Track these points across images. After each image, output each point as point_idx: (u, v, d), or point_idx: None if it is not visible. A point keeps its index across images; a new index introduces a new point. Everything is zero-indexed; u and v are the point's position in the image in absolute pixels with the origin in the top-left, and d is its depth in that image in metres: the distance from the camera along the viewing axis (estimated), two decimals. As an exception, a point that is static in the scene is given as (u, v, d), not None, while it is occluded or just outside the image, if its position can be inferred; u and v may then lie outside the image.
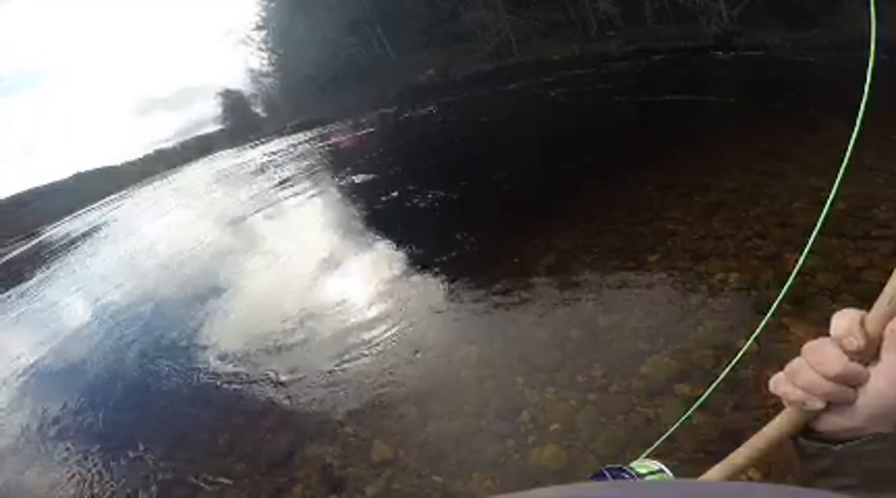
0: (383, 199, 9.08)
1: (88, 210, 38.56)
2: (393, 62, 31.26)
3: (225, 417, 4.08)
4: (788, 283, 0.76)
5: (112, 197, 41.88)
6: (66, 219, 37.38)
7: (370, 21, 31.61)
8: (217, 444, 3.76)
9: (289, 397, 3.99)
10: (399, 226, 7.07)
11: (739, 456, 0.52)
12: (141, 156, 67.27)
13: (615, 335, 3.35)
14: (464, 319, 4.19)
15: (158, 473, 3.66)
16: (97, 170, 64.30)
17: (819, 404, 0.45)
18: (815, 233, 0.70)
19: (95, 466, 4.01)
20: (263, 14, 43.21)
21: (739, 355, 0.83)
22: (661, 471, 0.67)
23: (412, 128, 16.92)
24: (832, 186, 0.63)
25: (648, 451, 0.92)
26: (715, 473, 0.54)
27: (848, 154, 0.65)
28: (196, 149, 56.79)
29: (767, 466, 1.95)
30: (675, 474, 0.64)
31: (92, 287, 10.80)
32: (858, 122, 0.65)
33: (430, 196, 8.20)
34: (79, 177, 62.47)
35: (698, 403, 1.03)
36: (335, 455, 3.22)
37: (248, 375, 4.54)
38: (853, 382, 0.44)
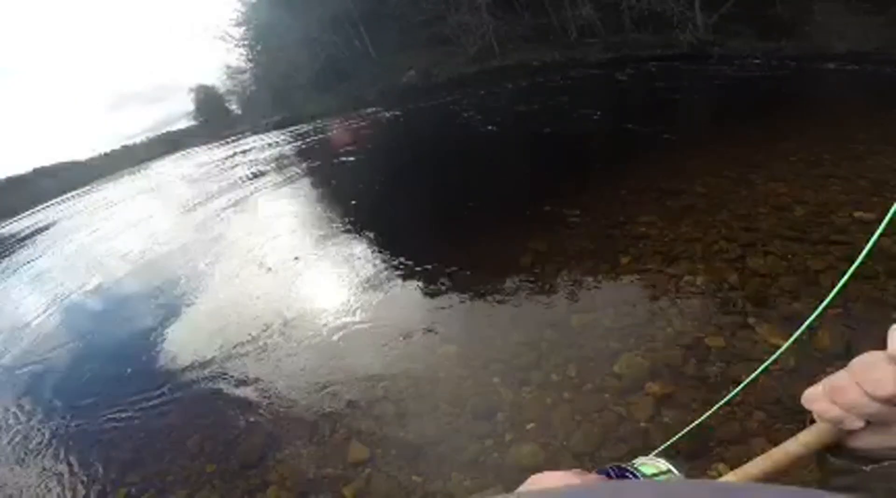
0: (358, 200, 9.04)
1: (48, 205, 37.10)
2: (374, 62, 31.12)
3: (195, 417, 3.97)
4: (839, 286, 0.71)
5: (75, 192, 40.38)
6: (24, 214, 35.85)
7: (352, 20, 31.38)
8: (186, 445, 3.67)
9: (262, 397, 3.91)
10: (375, 227, 7.05)
11: (755, 466, 0.50)
12: (108, 151, 65.21)
13: (588, 335, 3.44)
14: (441, 320, 4.21)
15: (125, 474, 3.55)
16: (60, 164, 61.95)
17: (859, 424, 0.42)
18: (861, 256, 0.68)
19: (56, 468, 3.86)
20: (243, 10, 42.43)
21: (762, 368, 0.80)
22: (668, 471, 0.63)
23: (391, 128, 16.89)
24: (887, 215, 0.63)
25: (660, 448, 0.89)
26: (734, 475, 0.52)
27: None
28: (166, 144, 55.39)
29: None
30: (684, 475, 0.62)
31: (50, 285, 10.33)
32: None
33: (406, 198, 8.22)
34: (39, 171, 60.03)
35: (723, 402, 0.99)
36: (311, 456, 3.19)
37: (219, 374, 4.43)
38: None
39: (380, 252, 6.02)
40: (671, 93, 10.99)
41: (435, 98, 18.67)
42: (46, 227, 22.00)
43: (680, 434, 0.99)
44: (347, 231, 7.29)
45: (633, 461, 0.65)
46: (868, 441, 0.43)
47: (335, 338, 4.36)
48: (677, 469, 0.63)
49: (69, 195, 39.72)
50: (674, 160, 6.37)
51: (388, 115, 19.21)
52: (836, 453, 0.46)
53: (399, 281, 5.12)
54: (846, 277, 0.68)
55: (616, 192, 5.70)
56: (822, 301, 0.70)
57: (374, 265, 5.64)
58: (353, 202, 9.00)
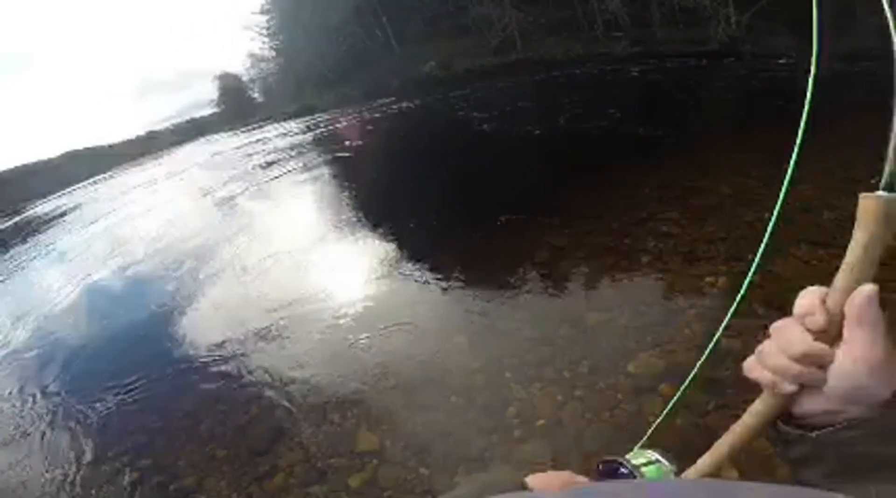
0: (377, 189, 9.05)
1: (76, 188, 38.02)
2: (395, 53, 31.07)
3: (207, 403, 4.01)
4: (745, 284, 0.75)
5: (101, 176, 41.30)
6: (53, 196, 36.81)
7: (375, 10, 31.33)
8: (198, 429, 3.70)
9: (274, 384, 3.94)
10: (392, 216, 7.03)
11: (724, 445, 0.52)
12: (133, 137, 66.57)
13: (604, 333, 3.37)
14: (455, 311, 4.18)
15: (137, 458, 3.60)
16: (87, 149, 63.44)
17: (790, 387, 0.44)
18: (766, 238, 0.70)
19: (71, 449, 3.94)
20: (267, -2, 42.74)
21: (709, 350, 0.83)
22: (657, 461, 0.67)
23: (411, 119, 16.85)
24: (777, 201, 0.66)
25: (641, 442, 0.91)
26: (703, 462, 0.54)
27: (792, 163, 0.66)
28: (190, 131, 56.23)
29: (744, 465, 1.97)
30: (671, 462, 0.64)
31: (73, 264, 10.59)
32: (801, 132, 0.66)
33: (424, 189, 8.19)
34: (68, 156, 61.61)
35: (678, 395, 1.04)
36: (319, 444, 3.20)
37: (232, 360, 4.47)
38: (820, 363, 0.43)
39: (396, 243, 6.00)
40: (699, 90, 10.72)
41: (455, 90, 18.53)
42: (73, 209, 22.58)
43: (652, 427, 1.01)
44: (363, 221, 7.30)
45: (627, 455, 0.67)
46: (809, 406, 0.45)
47: (348, 326, 4.37)
48: (666, 459, 0.66)
49: (96, 179, 40.66)
50: (700, 159, 6.20)
51: (407, 106, 19.16)
52: (786, 421, 0.47)
53: (414, 271, 5.10)
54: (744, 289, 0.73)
55: (639, 189, 5.57)
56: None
57: (390, 256, 5.63)
58: (370, 193, 9.01)
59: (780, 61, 11.29)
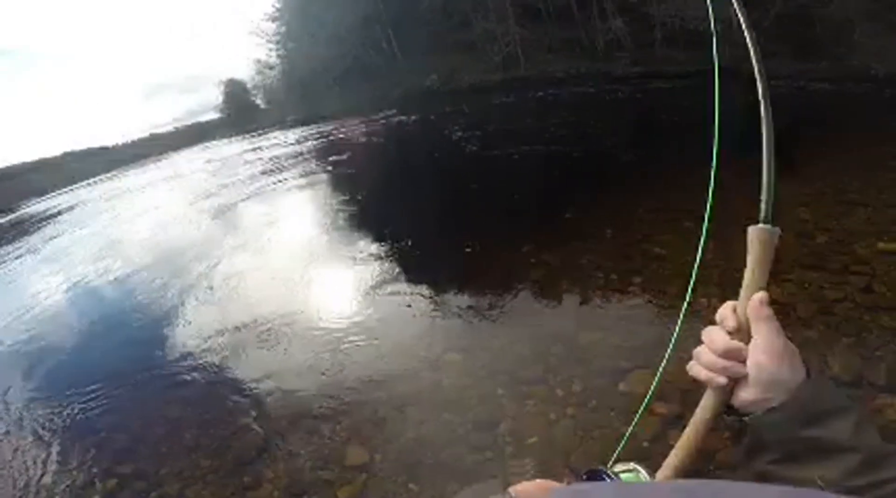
0: (373, 202, 9.08)
1: (73, 188, 37.97)
2: (399, 64, 31.36)
3: (193, 411, 3.95)
4: (685, 303, 0.85)
5: (100, 177, 41.31)
6: (50, 195, 36.73)
7: (382, 22, 31.70)
8: (183, 438, 3.64)
9: (263, 395, 3.89)
10: (386, 231, 7.05)
11: (683, 439, 0.59)
12: (135, 138, 66.73)
13: (597, 352, 3.38)
14: (448, 327, 4.18)
15: (119, 464, 3.53)
16: (88, 150, 63.61)
17: (721, 379, 0.54)
18: (698, 258, 0.81)
19: (53, 452, 3.86)
20: (277, 6, 43.20)
21: (668, 353, 0.88)
22: (635, 469, 0.70)
23: (409, 133, 16.97)
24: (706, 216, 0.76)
25: (614, 456, 0.93)
26: (672, 457, 0.59)
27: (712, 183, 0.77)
28: (192, 135, 56.43)
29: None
30: (648, 473, 0.69)
31: (62, 264, 10.56)
32: (715, 151, 0.77)
33: (420, 205, 8.22)
34: (69, 155, 61.73)
35: (646, 403, 1.07)
36: (307, 456, 3.16)
37: (220, 369, 4.42)
38: (739, 358, 0.53)
39: (389, 257, 6.00)
40: (696, 112, 10.83)
41: (456, 104, 18.69)
42: (69, 209, 22.53)
43: (624, 440, 1.05)
44: (357, 235, 7.31)
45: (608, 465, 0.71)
46: (742, 397, 0.54)
47: (339, 339, 4.35)
48: (643, 467, 0.69)
49: (94, 179, 40.64)
50: (694, 180, 6.24)
51: (408, 118, 19.31)
52: (729, 413, 0.56)
53: (407, 286, 5.10)
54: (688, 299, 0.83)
55: (634, 210, 5.62)
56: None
57: (382, 270, 5.63)
58: (366, 206, 9.03)
59: (781, 81, 11.43)
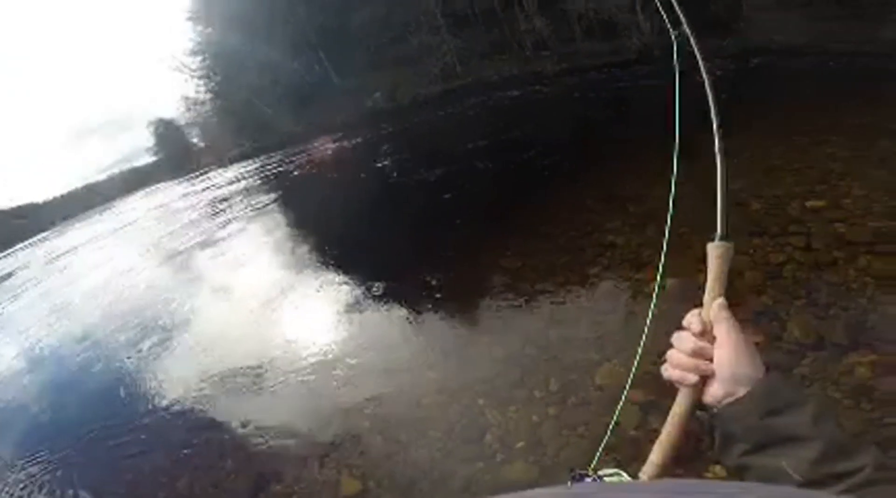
0: (329, 231, 9.00)
1: (11, 252, 35.60)
2: (337, 87, 31.11)
3: (183, 458, 3.88)
4: (657, 283, 1.02)
5: (38, 236, 38.90)
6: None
7: (312, 45, 31.36)
8: (176, 487, 3.57)
9: (249, 436, 3.85)
10: (347, 255, 7.03)
11: (663, 436, 0.64)
12: (66, 192, 63.17)
13: (567, 348, 3.49)
14: (421, 345, 4.22)
15: None
16: (19, 208, 59.59)
17: (692, 378, 0.60)
18: (666, 238, 0.93)
19: None
20: (199, 39, 41.85)
21: (639, 356, 0.97)
22: (617, 474, 0.77)
23: (356, 156, 16.91)
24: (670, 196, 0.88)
25: (594, 462, 1.00)
26: (654, 455, 0.64)
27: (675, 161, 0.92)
28: (130, 182, 54.00)
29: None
30: (630, 475, 0.73)
31: (18, 332, 9.95)
32: (677, 131, 0.88)
33: (377, 224, 8.22)
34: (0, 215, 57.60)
35: (621, 403, 1.15)
36: (302, 492, 3.14)
37: (202, 414, 4.36)
38: (706, 356, 0.60)
39: (354, 283, 5.98)
40: (623, 99, 11.34)
41: (401, 121, 18.76)
42: (10, 275, 21.12)
43: (601, 445, 1.13)
44: (319, 263, 7.25)
45: (591, 468, 0.80)
46: (712, 394, 0.59)
47: (317, 372, 4.31)
48: (624, 470, 0.79)
49: (33, 239, 38.26)
50: (632, 165, 6.54)
51: (354, 141, 19.22)
52: (702, 409, 0.61)
53: (376, 310, 5.11)
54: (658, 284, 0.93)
55: (581, 202, 5.83)
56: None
57: (350, 297, 5.61)
58: (322, 233, 8.96)
59: (691, 61, 12.12)
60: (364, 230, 8.15)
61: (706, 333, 0.61)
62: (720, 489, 0.30)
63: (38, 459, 4.59)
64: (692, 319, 0.63)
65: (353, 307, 5.30)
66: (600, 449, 1.05)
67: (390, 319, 4.83)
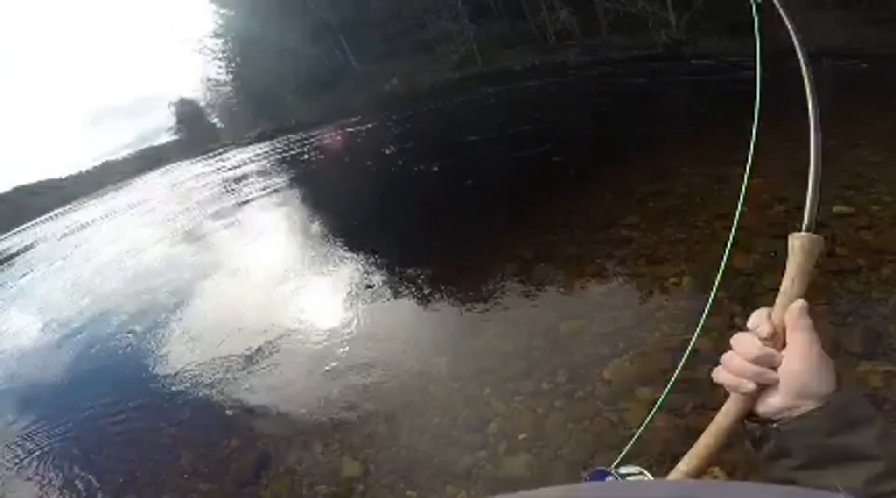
0: (344, 212, 9.01)
1: (31, 225, 36.38)
2: (356, 72, 31.08)
3: (186, 436, 3.92)
4: (716, 283, 0.88)
5: (58, 211, 39.68)
6: (5, 235, 35.07)
7: (333, 30, 31.32)
8: (179, 464, 3.61)
9: (253, 415, 3.87)
10: (361, 238, 7.01)
11: (700, 446, 0.59)
12: (89, 168, 64.25)
13: (577, 342, 3.44)
14: (429, 331, 4.20)
15: (123, 495, 3.49)
16: (39, 183, 60.80)
17: (749, 386, 0.54)
18: (732, 233, 0.83)
19: (49, 489, 3.77)
20: (221, 22, 42.05)
21: (686, 355, 0.91)
22: (640, 473, 0.72)
23: (373, 139, 16.87)
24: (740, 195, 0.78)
25: (620, 457, 0.96)
26: (685, 463, 0.59)
27: (751, 157, 0.79)
28: (148, 160, 54.69)
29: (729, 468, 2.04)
30: (654, 475, 0.69)
31: (35, 304, 10.19)
32: (755, 127, 0.79)
33: (390, 210, 8.20)
34: (19, 190, 58.85)
35: (658, 404, 1.10)
36: (304, 472, 3.15)
37: (208, 391, 4.38)
38: (771, 364, 0.53)
39: (365, 266, 5.98)
40: (647, 94, 11.13)
41: (418, 107, 18.67)
42: (27, 249, 21.57)
43: (631, 441, 1.07)
44: (332, 245, 7.25)
45: (612, 466, 0.74)
46: (769, 404, 0.54)
47: (324, 354, 4.32)
48: (648, 471, 0.73)
49: (52, 214, 39.02)
50: (654, 161, 6.43)
51: (370, 126, 19.17)
52: (753, 419, 0.56)
53: (386, 295, 5.09)
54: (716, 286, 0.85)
55: (600, 196, 5.74)
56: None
57: (361, 280, 5.60)
58: (337, 216, 8.96)
59: (717, 62, 11.85)
60: (375, 215, 8.14)
61: (775, 338, 0.54)
62: (724, 490, 0.30)
63: (39, 434, 4.66)
64: (760, 320, 0.55)
65: (362, 290, 5.30)
66: (628, 446, 1.00)
67: (399, 304, 4.81)
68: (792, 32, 0.70)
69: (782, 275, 0.57)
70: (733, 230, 0.81)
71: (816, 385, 0.51)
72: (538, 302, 4.10)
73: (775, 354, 0.53)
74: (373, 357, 4.04)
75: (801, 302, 0.54)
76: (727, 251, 0.83)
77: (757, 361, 0.53)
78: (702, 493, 0.37)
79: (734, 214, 0.70)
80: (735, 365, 0.55)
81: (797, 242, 0.57)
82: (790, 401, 0.52)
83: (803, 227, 0.59)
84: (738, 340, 0.56)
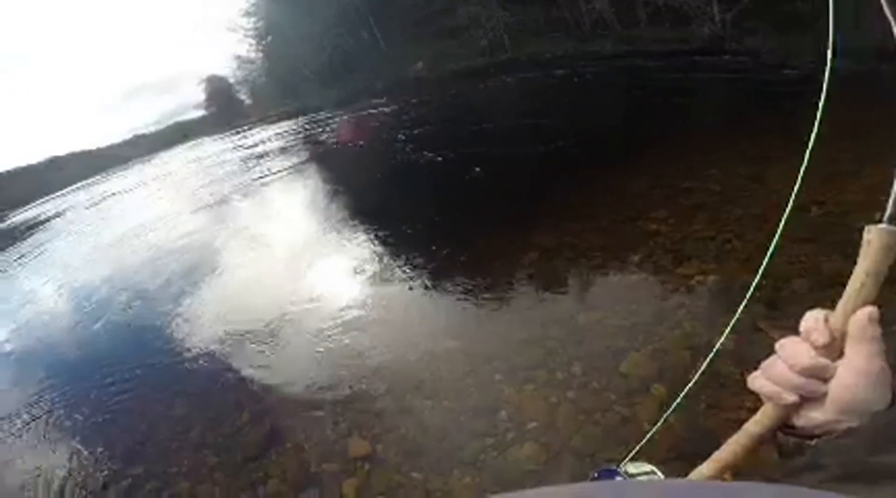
0: (366, 192, 9.01)
1: (61, 194, 37.47)
2: (383, 54, 30.95)
3: (198, 409, 3.98)
4: (755, 283, 0.85)
5: (85, 182, 40.77)
6: (35, 203, 36.22)
7: (362, 11, 31.21)
8: (190, 436, 3.67)
9: (264, 390, 3.92)
10: (381, 220, 6.99)
11: (725, 452, 0.54)
12: (118, 141, 65.70)
13: (595, 333, 3.37)
14: (445, 315, 4.17)
15: (131, 466, 3.56)
16: (71, 154, 62.50)
17: (791, 397, 0.48)
18: (777, 235, 0.76)
19: (61, 456, 3.87)
20: (253, 0, 42.36)
21: (711, 356, 0.85)
22: (651, 472, 0.69)
23: (396, 121, 16.79)
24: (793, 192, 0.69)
25: (632, 454, 0.92)
26: (703, 470, 0.55)
27: (807, 158, 0.70)
28: (177, 134, 55.56)
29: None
30: (665, 475, 0.66)
31: (59, 271, 10.49)
32: (816, 126, 0.70)
33: (413, 192, 8.16)
34: (53, 161, 60.60)
35: (675, 404, 1.05)
36: (312, 449, 3.18)
37: (222, 366, 4.44)
38: (821, 376, 0.47)
39: (383, 246, 5.98)
40: (685, 88, 10.79)
41: (443, 90, 18.50)
42: (57, 216, 22.25)
43: (645, 438, 1.02)
44: (353, 225, 7.26)
45: (622, 465, 0.72)
46: (808, 417, 0.48)
47: (338, 331, 4.34)
48: (660, 471, 0.70)
49: (80, 184, 40.11)
50: (687, 156, 6.22)
51: (394, 107, 19.09)
52: (787, 432, 0.50)
53: (403, 275, 5.08)
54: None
55: (627, 187, 5.58)
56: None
57: (378, 259, 5.61)
58: (359, 196, 8.97)
59: (762, 59, 11.41)
60: (395, 198, 8.11)
61: (831, 346, 0.46)
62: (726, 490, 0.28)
63: (51, 401, 4.78)
64: (815, 325, 0.47)
65: (377, 271, 5.30)
66: (640, 445, 0.95)
67: (414, 286, 4.79)
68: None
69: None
70: (778, 233, 0.75)
71: (871, 402, 0.45)
72: (557, 291, 4.02)
73: (829, 366, 0.46)
74: (386, 338, 4.04)
75: (871, 310, 0.46)
76: (769, 254, 0.78)
77: (806, 371, 0.47)
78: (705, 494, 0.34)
79: (779, 214, 0.63)
80: (778, 373, 0.49)
81: (876, 237, 0.47)
82: (833, 416, 0.46)
83: (885, 218, 0.47)
84: (785, 346, 0.49)
